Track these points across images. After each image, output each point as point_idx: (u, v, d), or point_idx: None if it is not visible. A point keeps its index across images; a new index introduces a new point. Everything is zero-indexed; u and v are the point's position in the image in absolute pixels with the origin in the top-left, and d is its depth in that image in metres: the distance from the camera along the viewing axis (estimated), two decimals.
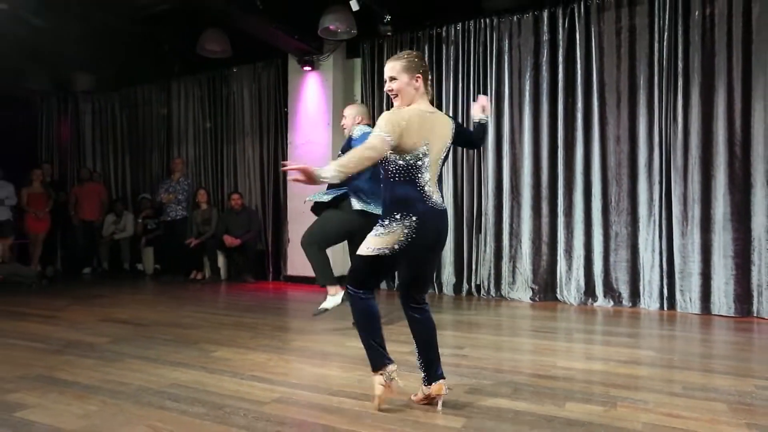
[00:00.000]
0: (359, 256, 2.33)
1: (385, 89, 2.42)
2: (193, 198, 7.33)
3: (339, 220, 3.99)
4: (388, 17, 5.60)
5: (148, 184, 8.25)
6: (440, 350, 2.44)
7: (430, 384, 2.39)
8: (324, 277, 4.02)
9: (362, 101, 6.28)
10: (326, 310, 4.03)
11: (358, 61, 6.49)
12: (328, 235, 4.05)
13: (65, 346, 3.58)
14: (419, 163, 2.28)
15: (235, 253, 7.01)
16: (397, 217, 2.26)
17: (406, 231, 2.25)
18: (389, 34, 5.80)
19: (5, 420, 2.31)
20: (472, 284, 5.70)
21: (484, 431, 2.17)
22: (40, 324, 4.33)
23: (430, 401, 2.42)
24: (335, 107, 6.40)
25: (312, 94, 6.55)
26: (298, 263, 6.64)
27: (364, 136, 3.80)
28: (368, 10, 5.43)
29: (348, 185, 3.87)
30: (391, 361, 2.36)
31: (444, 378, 2.40)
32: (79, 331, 4.07)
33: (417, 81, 2.33)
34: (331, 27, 5.55)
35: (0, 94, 7.81)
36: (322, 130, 6.48)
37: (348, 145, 3.85)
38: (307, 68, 6.45)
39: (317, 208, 4.13)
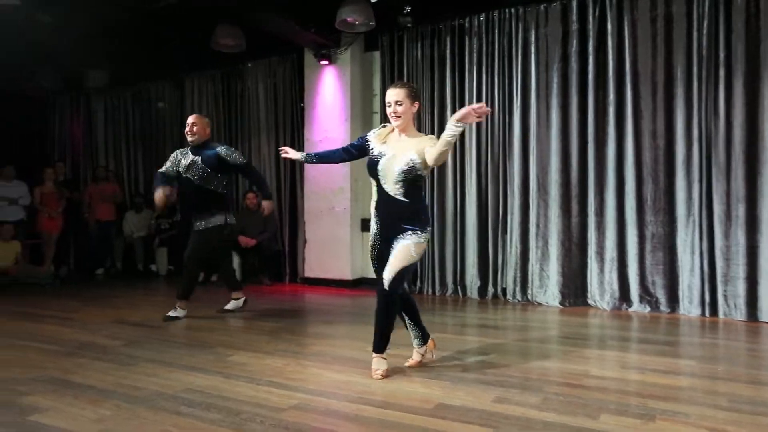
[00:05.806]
0: (413, 262, 2.81)
1: (389, 112, 2.82)
2: None
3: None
4: (408, 8, 5.41)
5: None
6: (465, 355, 3.04)
7: (425, 343, 3.06)
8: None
9: (381, 95, 6.08)
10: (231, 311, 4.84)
11: (376, 54, 6.28)
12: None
13: (78, 349, 3.55)
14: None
15: (251, 254, 6.83)
16: (428, 226, 2.92)
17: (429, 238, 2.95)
18: (409, 25, 5.61)
19: (19, 423, 2.30)
20: (498, 287, 5.46)
21: None
22: (53, 325, 4.31)
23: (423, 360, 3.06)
24: (353, 102, 6.22)
25: (329, 88, 6.36)
26: (315, 265, 6.48)
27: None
28: (387, 1, 5.22)
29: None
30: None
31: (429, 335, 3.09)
32: (92, 333, 4.04)
33: (414, 107, 2.83)
34: (348, 19, 5.35)
35: (11, 92, 7.75)
36: (339, 126, 6.29)
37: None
38: (323, 62, 6.26)
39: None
